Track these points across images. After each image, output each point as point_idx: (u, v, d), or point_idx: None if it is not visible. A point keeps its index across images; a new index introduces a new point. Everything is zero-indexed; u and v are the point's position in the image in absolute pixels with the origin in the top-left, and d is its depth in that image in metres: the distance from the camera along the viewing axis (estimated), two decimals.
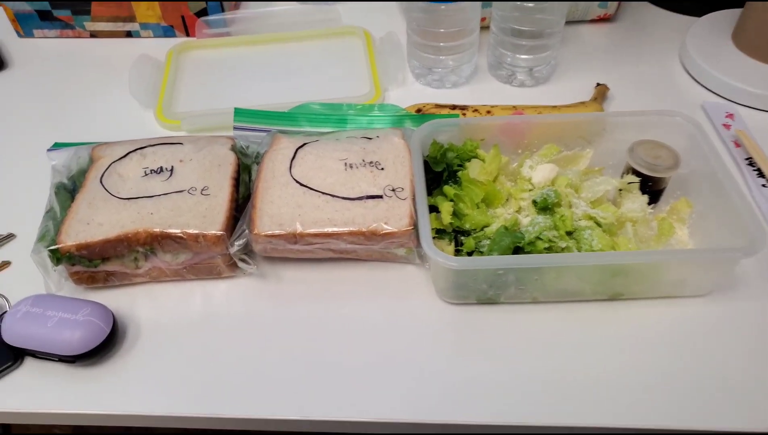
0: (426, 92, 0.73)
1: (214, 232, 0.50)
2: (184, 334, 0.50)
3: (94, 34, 0.84)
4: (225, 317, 0.52)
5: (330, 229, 0.50)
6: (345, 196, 0.52)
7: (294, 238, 0.50)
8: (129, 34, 0.84)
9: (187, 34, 0.83)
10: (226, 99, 0.73)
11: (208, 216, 0.51)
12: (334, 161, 0.54)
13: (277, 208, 0.51)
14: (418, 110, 0.67)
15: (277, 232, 0.50)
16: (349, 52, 0.79)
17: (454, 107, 0.67)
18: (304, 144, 0.56)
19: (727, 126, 0.68)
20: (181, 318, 0.52)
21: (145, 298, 0.53)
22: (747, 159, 0.64)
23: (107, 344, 0.47)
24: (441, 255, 0.46)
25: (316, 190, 0.52)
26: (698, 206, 0.54)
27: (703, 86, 0.72)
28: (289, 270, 0.55)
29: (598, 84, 0.72)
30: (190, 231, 0.50)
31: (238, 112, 0.63)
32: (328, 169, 0.54)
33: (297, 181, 0.53)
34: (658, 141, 0.57)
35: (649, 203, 0.54)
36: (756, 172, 0.62)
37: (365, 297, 0.53)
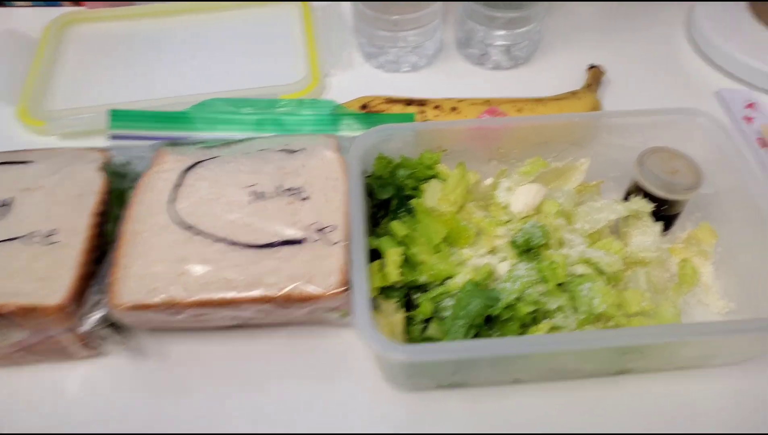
0: (378, 78, 0.61)
1: (54, 302, 0.34)
2: None
3: None
4: (85, 419, 0.36)
5: (226, 295, 0.35)
6: (250, 242, 0.37)
7: (173, 307, 0.35)
8: (0, 3, 0.65)
9: (77, 3, 0.65)
10: (120, 91, 0.57)
11: (49, 277, 0.35)
12: (237, 189, 0.39)
13: (149, 265, 0.35)
14: (363, 106, 0.51)
15: (146, 301, 0.34)
16: (280, 26, 0.64)
17: (410, 102, 0.51)
18: (197, 163, 0.40)
19: (748, 119, 0.55)
20: (18, 424, 0.36)
21: None
22: None
23: None
24: (382, 342, 0.31)
25: (208, 235, 0.37)
26: (725, 235, 0.43)
27: (718, 68, 0.60)
28: (178, 343, 0.39)
29: (591, 66, 0.58)
30: (20, 301, 0.34)
31: (117, 115, 0.46)
32: (228, 202, 0.38)
33: (181, 221, 0.37)
34: (674, 149, 0.44)
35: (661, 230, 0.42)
36: None
37: (284, 380, 0.38)
